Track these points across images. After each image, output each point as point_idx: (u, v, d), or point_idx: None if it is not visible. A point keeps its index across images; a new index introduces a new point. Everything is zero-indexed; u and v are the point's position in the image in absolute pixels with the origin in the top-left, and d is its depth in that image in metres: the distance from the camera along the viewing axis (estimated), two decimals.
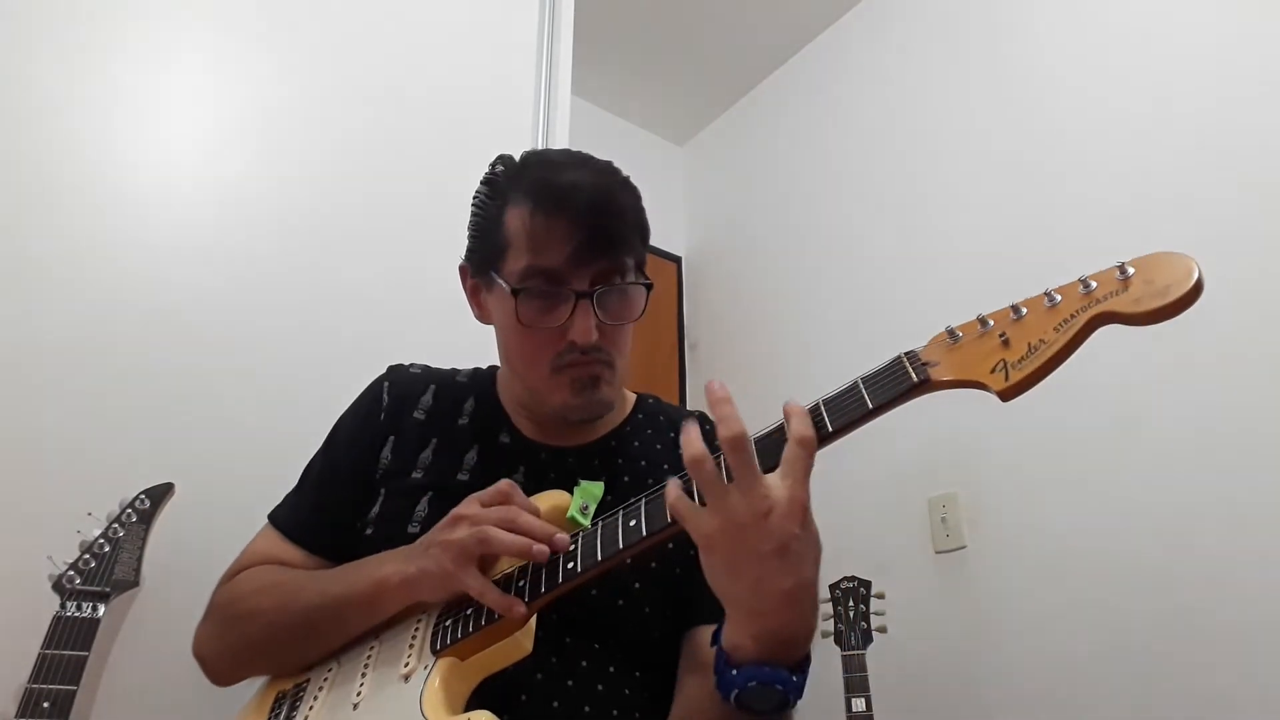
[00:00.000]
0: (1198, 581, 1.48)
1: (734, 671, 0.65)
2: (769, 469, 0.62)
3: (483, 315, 0.96)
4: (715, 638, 0.69)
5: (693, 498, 0.65)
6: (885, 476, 2.03)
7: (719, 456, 0.62)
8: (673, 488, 0.65)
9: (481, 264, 0.91)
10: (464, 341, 1.16)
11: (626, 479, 0.92)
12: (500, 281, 0.87)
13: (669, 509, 0.65)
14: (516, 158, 0.93)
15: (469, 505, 0.76)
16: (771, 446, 0.64)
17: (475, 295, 0.96)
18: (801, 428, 0.62)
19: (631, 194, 0.90)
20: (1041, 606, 1.68)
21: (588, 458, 0.93)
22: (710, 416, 1.01)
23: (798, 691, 0.65)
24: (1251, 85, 1.61)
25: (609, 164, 0.91)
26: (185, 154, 1.38)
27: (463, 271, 0.97)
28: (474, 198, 0.92)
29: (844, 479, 2.07)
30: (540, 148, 0.91)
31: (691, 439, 0.62)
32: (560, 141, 1.74)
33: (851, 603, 1.61)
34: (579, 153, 0.93)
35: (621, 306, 0.88)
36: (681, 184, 3.13)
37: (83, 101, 1.30)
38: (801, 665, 0.66)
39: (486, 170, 0.92)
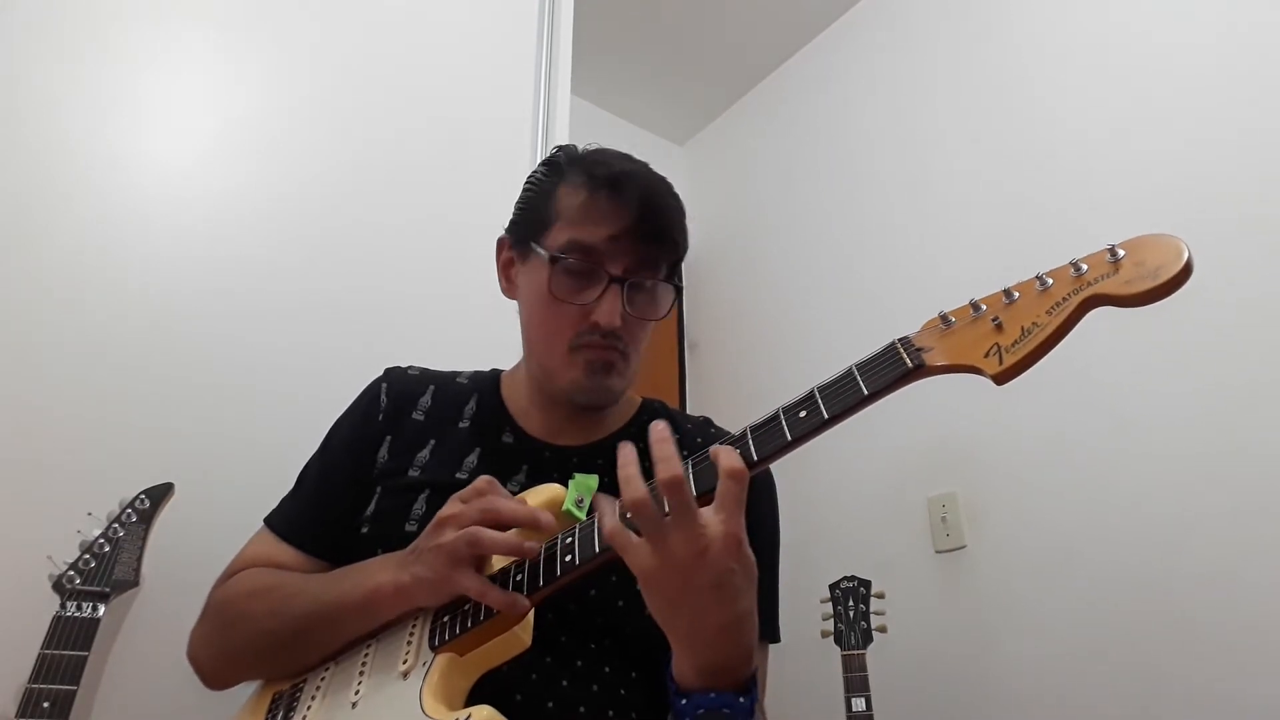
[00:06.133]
0: (1197, 581, 1.47)
1: (683, 701, 0.66)
2: (708, 490, 0.63)
3: (509, 290, 0.98)
4: (667, 667, 0.69)
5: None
6: (885, 476, 2.03)
7: (654, 491, 0.62)
8: (610, 518, 0.66)
9: (523, 236, 0.94)
10: (464, 343, 1.17)
11: None
12: (539, 251, 0.89)
13: (606, 538, 0.66)
14: (579, 148, 0.97)
15: (451, 506, 0.76)
16: (706, 472, 0.65)
17: (508, 268, 0.98)
18: (730, 461, 0.62)
19: (679, 204, 0.94)
20: (1041, 606, 1.68)
21: (591, 458, 0.93)
22: (715, 422, 1.02)
23: (747, 711, 0.65)
24: (1250, 80, 1.61)
25: (663, 176, 0.96)
26: (185, 155, 1.38)
27: (501, 243, 0.99)
28: (529, 176, 0.96)
29: (844, 479, 2.07)
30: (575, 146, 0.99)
31: (632, 478, 0.63)
32: (560, 142, 1.74)
33: (851, 602, 1.61)
34: (637, 158, 0.96)
35: (649, 302, 0.90)
36: (681, 184, 3.10)
37: (82, 105, 1.30)
38: (747, 686, 0.66)
39: (548, 154, 0.97)
